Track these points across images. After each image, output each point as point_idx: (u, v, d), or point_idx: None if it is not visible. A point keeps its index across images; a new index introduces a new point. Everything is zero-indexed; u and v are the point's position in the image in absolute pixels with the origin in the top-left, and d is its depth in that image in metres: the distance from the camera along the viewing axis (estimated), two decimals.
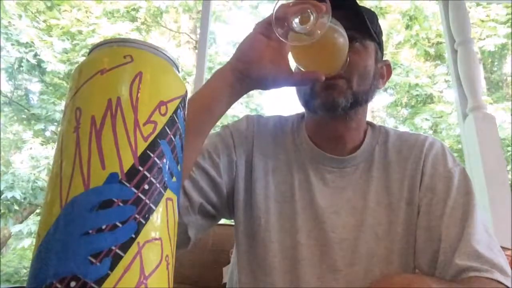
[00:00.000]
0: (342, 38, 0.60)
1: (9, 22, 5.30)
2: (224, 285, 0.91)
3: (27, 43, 5.46)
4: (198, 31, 2.76)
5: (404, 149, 0.75)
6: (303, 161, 0.76)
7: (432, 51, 6.80)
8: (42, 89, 6.14)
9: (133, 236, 0.28)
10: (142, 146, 0.30)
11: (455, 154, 0.77)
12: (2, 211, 5.11)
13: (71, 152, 0.29)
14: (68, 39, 5.94)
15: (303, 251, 0.69)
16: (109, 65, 0.32)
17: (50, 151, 5.54)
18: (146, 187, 0.29)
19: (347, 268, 0.68)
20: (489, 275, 0.58)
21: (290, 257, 0.70)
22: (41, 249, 0.28)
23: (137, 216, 0.28)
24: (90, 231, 0.27)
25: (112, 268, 0.27)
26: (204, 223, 0.71)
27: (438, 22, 6.24)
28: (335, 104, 0.68)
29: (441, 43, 6.51)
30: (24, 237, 5.22)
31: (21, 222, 5.43)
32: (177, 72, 0.36)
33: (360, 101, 0.71)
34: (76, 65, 0.36)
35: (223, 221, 0.86)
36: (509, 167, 5.51)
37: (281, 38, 0.57)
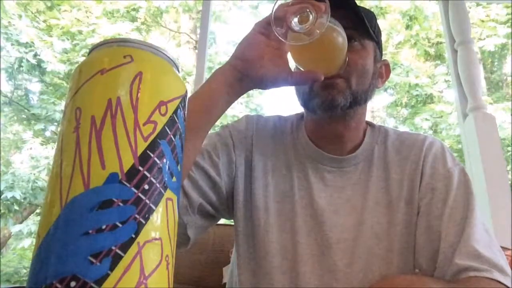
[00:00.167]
0: (341, 37, 0.60)
1: (9, 22, 5.30)
2: (224, 285, 0.91)
3: (27, 43, 5.47)
4: (198, 31, 2.75)
5: (403, 148, 0.75)
6: (302, 160, 0.76)
7: (432, 51, 6.80)
8: (42, 89, 6.14)
9: (133, 236, 0.28)
10: (142, 146, 0.30)
11: (455, 154, 0.77)
12: (2, 211, 5.11)
13: (71, 152, 0.29)
14: (68, 39, 5.95)
15: (303, 250, 0.69)
16: (109, 65, 0.32)
17: (50, 151, 5.54)
18: (146, 187, 0.29)
19: (347, 267, 0.68)
20: (489, 274, 0.58)
21: (290, 257, 0.70)
22: (41, 249, 0.28)
23: (137, 216, 0.28)
24: (90, 231, 0.27)
25: (112, 268, 0.27)
26: (203, 223, 0.71)
27: (438, 22, 6.24)
28: (334, 103, 0.68)
29: (441, 43, 6.51)
30: (24, 237, 5.22)
31: (21, 222, 5.43)
32: (177, 72, 0.36)
33: (359, 100, 0.71)
34: (76, 65, 0.35)
35: (223, 221, 0.86)
36: (509, 167, 5.51)
37: (280, 38, 0.57)
